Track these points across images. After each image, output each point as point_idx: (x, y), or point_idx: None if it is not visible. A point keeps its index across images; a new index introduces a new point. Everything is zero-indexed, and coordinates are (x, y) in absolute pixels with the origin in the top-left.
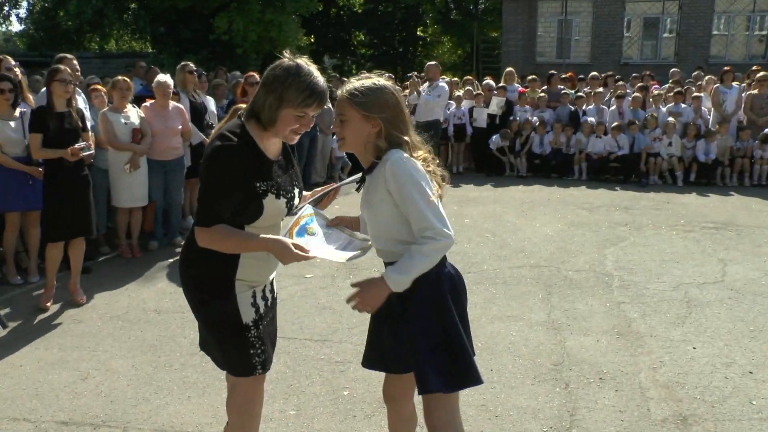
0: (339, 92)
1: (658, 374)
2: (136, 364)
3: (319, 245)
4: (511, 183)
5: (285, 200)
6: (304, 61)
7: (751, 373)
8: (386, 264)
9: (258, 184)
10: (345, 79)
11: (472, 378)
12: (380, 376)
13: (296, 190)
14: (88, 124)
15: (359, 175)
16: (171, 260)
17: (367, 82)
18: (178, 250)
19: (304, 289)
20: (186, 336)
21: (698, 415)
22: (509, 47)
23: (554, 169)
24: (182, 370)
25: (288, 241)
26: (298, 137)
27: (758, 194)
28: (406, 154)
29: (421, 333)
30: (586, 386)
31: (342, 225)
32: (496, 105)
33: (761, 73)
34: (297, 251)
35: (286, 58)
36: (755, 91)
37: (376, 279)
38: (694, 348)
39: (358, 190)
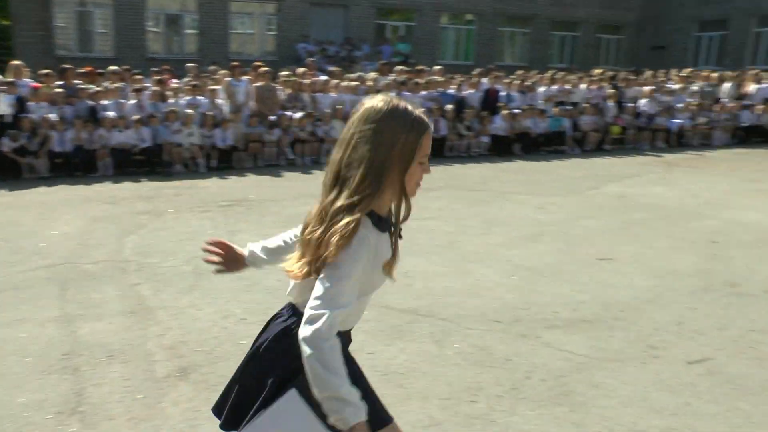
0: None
1: (165, 339)
2: None
3: None
4: (31, 186)
5: None
6: None
7: (244, 319)
8: None
9: None
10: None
11: None
12: None
13: None
14: None
15: None
16: None
17: None
18: None
19: None
20: None
21: (197, 364)
22: (24, 38)
23: (78, 167)
24: None
25: None
26: None
27: (269, 173)
28: None
29: None
30: (95, 366)
31: None
32: (4, 103)
33: (263, 69)
34: None
35: None
36: (260, 83)
37: None
38: (199, 310)
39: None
